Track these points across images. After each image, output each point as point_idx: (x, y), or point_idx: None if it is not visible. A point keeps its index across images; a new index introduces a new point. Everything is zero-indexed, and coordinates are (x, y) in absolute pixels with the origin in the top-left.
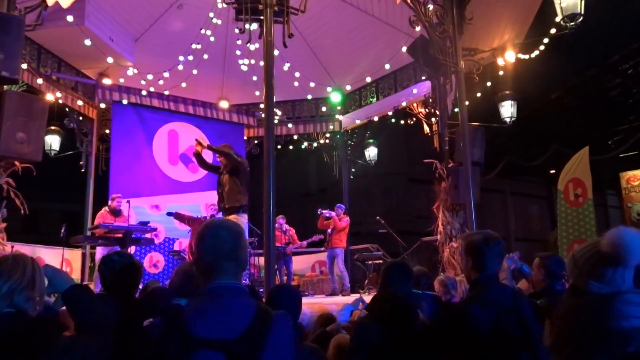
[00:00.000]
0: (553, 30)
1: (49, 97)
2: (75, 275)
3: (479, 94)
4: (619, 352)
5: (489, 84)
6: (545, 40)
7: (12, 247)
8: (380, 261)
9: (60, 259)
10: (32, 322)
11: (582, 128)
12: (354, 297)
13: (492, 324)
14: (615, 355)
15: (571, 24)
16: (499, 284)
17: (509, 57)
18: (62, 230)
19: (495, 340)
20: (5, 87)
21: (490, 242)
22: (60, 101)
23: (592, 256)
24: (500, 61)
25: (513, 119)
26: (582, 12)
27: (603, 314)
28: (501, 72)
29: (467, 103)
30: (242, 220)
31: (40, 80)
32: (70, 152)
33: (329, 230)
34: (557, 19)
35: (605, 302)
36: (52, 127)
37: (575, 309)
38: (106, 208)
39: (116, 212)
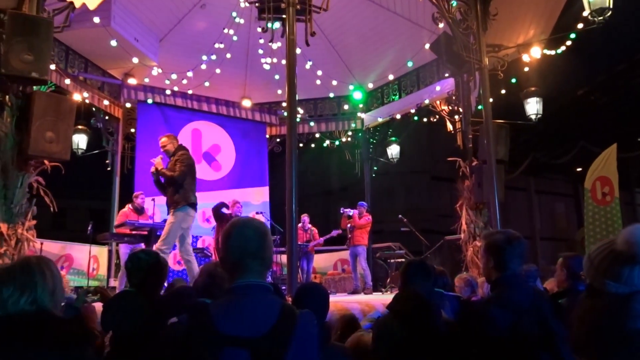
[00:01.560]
0: (580, 25)
1: (76, 97)
2: (102, 272)
3: (503, 91)
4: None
5: (513, 80)
6: (572, 36)
7: (42, 243)
8: (403, 260)
9: (87, 255)
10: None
11: (610, 125)
12: (376, 295)
13: (511, 324)
14: (637, 357)
15: (599, 18)
16: (520, 284)
17: (535, 53)
18: (89, 228)
19: (515, 340)
20: (34, 87)
21: (513, 241)
22: (87, 101)
23: (607, 255)
24: (525, 57)
25: (539, 116)
26: (611, 7)
27: (621, 315)
28: (526, 69)
29: (491, 100)
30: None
31: (68, 81)
32: (97, 151)
33: (349, 228)
34: (585, 14)
35: (622, 302)
36: (80, 127)
37: (593, 311)
38: (129, 206)
39: (139, 210)
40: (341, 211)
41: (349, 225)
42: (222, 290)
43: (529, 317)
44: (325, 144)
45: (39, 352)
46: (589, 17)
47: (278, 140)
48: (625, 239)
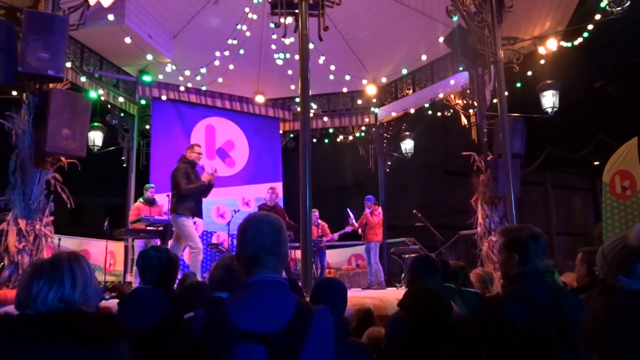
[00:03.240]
0: (598, 17)
1: (92, 94)
2: (119, 267)
3: (519, 84)
4: None
5: (529, 73)
6: (590, 27)
7: (59, 239)
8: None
9: (104, 251)
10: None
11: (627, 118)
12: (390, 290)
13: (528, 320)
14: None
15: (618, 9)
16: (538, 281)
17: (551, 45)
18: (106, 224)
19: (531, 337)
20: (51, 85)
21: (538, 238)
22: (102, 98)
23: (620, 250)
24: (541, 50)
25: (555, 109)
26: None
27: (633, 312)
28: (542, 61)
29: (506, 93)
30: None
31: (83, 78)
32: (113, 148)
33: (363, 227)
34: (603, 4)
35: (635, 299)
36: (95, 124)
37: (605, 308)
38: (141, 199)
39: (150, 201)
40: (349, 221)
41: (364, 222)
42: (239, 284)
43: (547, 315)
44: (338, 139)
45: (72, 350)
46: (607, 7)
47: (292, 135)
48: (638, 233)
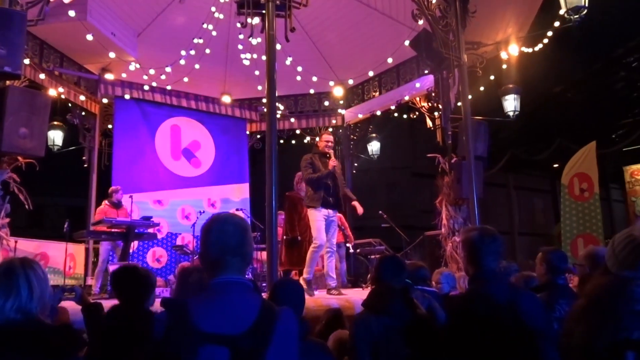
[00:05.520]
0: (557, 24)
1: (52, 92)
2: (79, 270)
3: (482, 88)
4: (624, 334)
5: (492, 77)
6: (549, 34)
7: (16, 242)
8: None
9: (64, 253)
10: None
11: (586, 122)
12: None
13: (486, 319)
14: (619, 337)
15: (575, 17)
16: (495, 280)
17: (513, 50)
18: (66, 225)
19: (490, 336)
20: (7, 82)
21: (486, 238)
22: (62, 96)
23: (626, 245)
24: (503, 55)
25: (517, 112)
26: (587, 5)
27: (617, 294)
28: (505, 66)
29: (470, 97)
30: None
31: (42, 76)
32: (73, 148)
33: None
34: (562, 12)
35: (623, 283)
36: (55, 123)
37: (596, 288)
38: (106, 202)
39: (117, 205)
40: None
41: None
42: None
43: (505, 313)
44: (306, 141)
45: None
46: (566, 15)
47: (259, 136)
48: None
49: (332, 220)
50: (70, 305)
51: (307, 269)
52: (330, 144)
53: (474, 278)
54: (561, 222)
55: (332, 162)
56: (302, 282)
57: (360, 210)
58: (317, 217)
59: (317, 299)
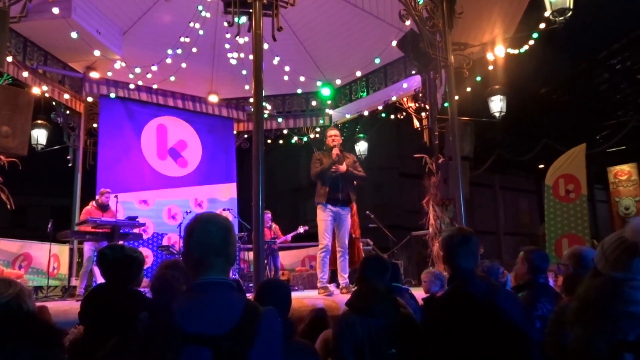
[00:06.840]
0: (542, 25)
1: (35, 90)
2: (63, 271)
3: (468, 89)
4: (620, 337)
5: (478, 78)
6: (535, 35)
7: None
8: None
9: (47, 254)
10: None
11: (571, 123)
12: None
13: (464, 318)
14: (615, 339)
15: (560, 18)
16: (474, 280)
17: (499, 51)
18: (50, 225)
19: (469, 334)
20: None
21: (459, 239)
22: (46, 95)
23: (617, 247)
24: (490, 56)
25: (502, 113)
26: (572, 7)
27: (611, 296)
28: (491, 67)
29: (456, 98)
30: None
31: (26, 74)
32: (58, 147)
33: None
34: (547, 14)
35: (615, 285)
36: (39, 121)
37: (588, 289)
38: (93, 203)
39: (104, 207)
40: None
41: None
42: (175, 294)
43: (484, 312)
44: (293, 141)
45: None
46: (551, 17)
47: (246, 136)
48: (635, 230)
49: (342, 218)
50: (51, 305)
51: (319, 275)
52: (334, 137)
53: (451, 278)
54: (545, 222)
55: (335, 151)
56: (320, 290)
57: (343, 168)
58: (322, 217)
59: (302, 299)
